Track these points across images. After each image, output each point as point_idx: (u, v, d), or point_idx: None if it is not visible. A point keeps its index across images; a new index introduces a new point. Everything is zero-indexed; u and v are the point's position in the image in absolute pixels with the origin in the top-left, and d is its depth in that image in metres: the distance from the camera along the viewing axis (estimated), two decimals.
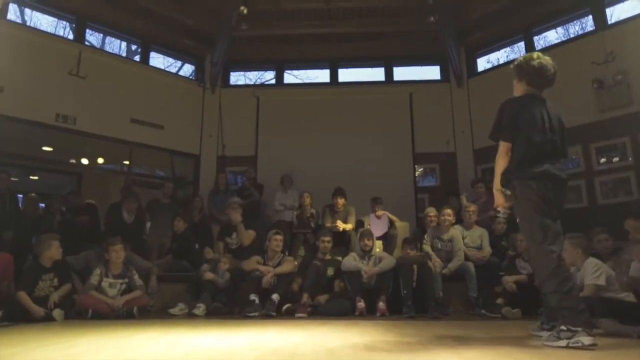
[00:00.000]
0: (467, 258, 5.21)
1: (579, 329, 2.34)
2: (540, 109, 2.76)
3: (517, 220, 2.78)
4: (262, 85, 10.15)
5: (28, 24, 7.89)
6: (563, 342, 2.36)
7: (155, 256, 6.04)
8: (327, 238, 5.34)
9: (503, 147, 2.76)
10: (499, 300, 4.62)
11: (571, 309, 2.41)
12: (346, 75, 9.05)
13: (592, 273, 3.52)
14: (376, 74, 9.02)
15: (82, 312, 4.40)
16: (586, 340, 2.31)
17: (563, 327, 2.39)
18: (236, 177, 8.26)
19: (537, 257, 2.65)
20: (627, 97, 6.33)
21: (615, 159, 6.50)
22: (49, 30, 7.84)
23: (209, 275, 5.10)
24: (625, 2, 6.92)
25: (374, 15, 8.03)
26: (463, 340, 2.65)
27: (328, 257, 5.29)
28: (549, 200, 2.60)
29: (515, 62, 2.90)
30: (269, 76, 10.26)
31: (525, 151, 2.67)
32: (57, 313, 4.18)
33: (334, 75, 8.85)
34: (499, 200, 2.78)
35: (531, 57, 2.84)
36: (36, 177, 9.08)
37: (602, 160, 6.63)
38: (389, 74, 8.78)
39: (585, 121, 6.66)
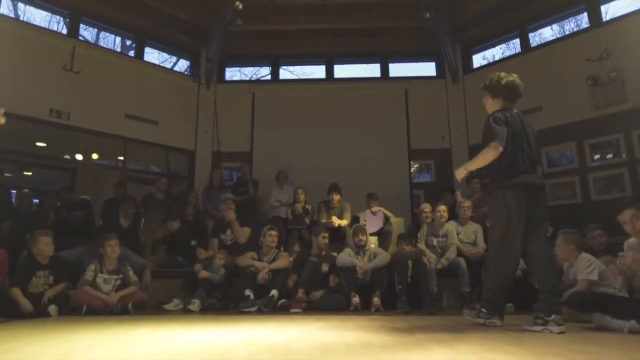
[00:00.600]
0: (461, 254, 5.24)
1: (494, 313, 3.13)
2: (518, 121, 3.11)
3: (487, 224, 3.31)
4: (258, 81, 10.09)
5: (21, 18, 7.81)
6: (481, 320, 3.16)
7: (149, 252, 6.02)
8: (326, 234, 5.35)
9: (499, 145, 2.95)
10: None
11: (493, 301, 3.17)
12: (342, 71, 9.05)
13: (585, 268, 3.55)
14: (372, 70, 9.04)
15: (77, 308, 4.39)
16: (498, 322, 3.11)
17: (484, 310, 3.17)
18: (231, 173, 8.25)
19: (495, 258, 3.18)
20: (621, 94, 6.37)
21: (609, 156, 6.54)
22: (42, 25, 7.77)
23: (204, 274, 5.09)
24: (620, 0, 6.95)
25: (370, 11, 8.01)
26: (457, 335, 2.66)
27: (323, 252, 5.30)
28: (520, 208, 2.98)
29: (486, 84, 3.28)
30: (264, 72, 10.21)
31: (508, 162, 3.01)
32: (51, 309, 4.17)
33: (329, 71, 8.84)
34: (461, 175, 3.17)
35: (499, 76, 3.23)
36: (30, 173, 9.03)
37: (596, 156, 6.67)
38: (384, 70, 8.78)
39: (580, 118, 6.72)
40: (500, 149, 2.94)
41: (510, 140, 2.99)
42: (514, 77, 3.22)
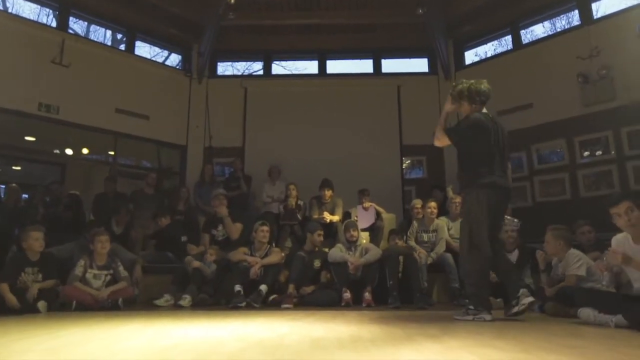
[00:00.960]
0: (452, 249, 5.27)
1: (481, 309, 3.18)
2: (496, 127, 3.35)
3: (460, 221, 3.52)
4: (250, 76, 10.07)
5: (10, 10, 7.71)
6: (470, 317, 3.17)
7: (140, 247, 5.99)
8: (322, 232, 5.35)
9: (447, 142, 3.38)
10: None
11: (479, 296, 3.24)
12: (334, 66, 9.06)
13: (574, 264, 3.61)
14: (364, 65, 9.03)
15: (66, 303, 4.35)
16: (487, 317, 3.14)
17: (471, 307, 3.22)
18: (223, 168, 8.22)
19: (467, 256, 3.30)
20: (610, 91, 6.43)
21: (598, 153, 6.61)
22: (31, 18, 7.66)
23: (196, 264, 5.06)
24: None
25: (363, 6, 7.99)
26: (447, 330, 2.68)
27: (316, 249, 5.30)
28: (490, 207, 3.21)
29: (464, 92, 3.44)
30: (257, 67, 10.19)
31: (479, 164, 3.27)
32: (40, 305, 4.13)
33: (322, 67, 8.83)
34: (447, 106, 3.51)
35: (471, 84, 3.45)
36: (19, 168, 8.93)
37: (586, 153, 6.74)
38: (377, 66, 8.79)
39: (570, 115, 6.78)
40: (445, 144, 3.45)
41: (486, 145, 3.27)
42: (484, 82, 3.46)
